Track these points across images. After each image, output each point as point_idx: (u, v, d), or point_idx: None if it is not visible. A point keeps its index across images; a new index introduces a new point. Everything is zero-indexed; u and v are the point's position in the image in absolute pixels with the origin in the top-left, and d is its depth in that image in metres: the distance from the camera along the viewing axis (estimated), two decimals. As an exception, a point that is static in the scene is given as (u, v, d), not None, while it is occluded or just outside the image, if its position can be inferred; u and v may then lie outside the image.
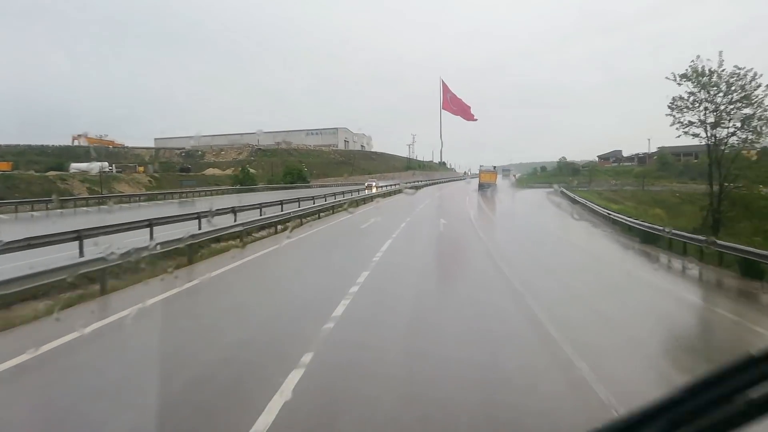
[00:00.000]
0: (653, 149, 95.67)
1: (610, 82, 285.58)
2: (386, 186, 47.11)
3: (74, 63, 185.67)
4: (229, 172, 71.99)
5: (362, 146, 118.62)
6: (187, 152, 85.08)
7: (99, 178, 47.49)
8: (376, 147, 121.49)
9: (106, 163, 63.31)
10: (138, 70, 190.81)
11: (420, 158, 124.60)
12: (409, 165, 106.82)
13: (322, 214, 23.43)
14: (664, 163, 78.44)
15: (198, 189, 42.78)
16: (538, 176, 78.27)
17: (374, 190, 41.35)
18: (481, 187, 52.08)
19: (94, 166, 58.85)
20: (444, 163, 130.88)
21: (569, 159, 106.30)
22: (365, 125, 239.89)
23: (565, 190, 44.77)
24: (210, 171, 72.62)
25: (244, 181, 48.83)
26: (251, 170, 53.68)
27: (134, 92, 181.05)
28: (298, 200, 24.47)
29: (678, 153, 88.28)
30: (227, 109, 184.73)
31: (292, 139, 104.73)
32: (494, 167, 58.39)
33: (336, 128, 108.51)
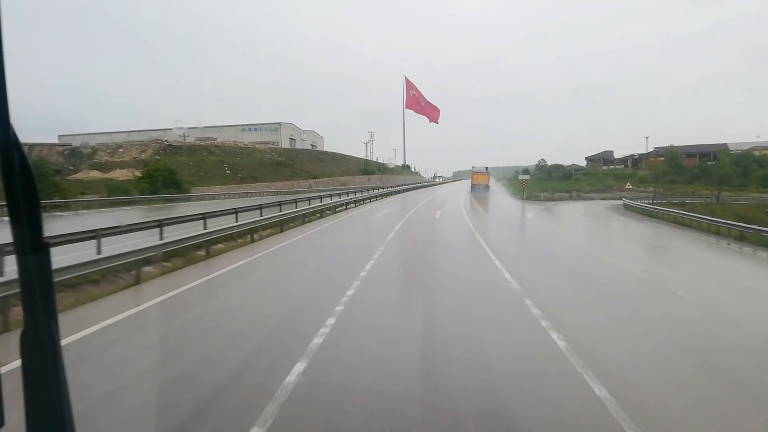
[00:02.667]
0: (650, 149, 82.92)
1: (581, 83, 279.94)
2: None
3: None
4: (114, 174, 53.20)
5: (312, 145, 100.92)
6: (72, 150, 65.08)
7: None
8: (332, 148, 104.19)
9: None
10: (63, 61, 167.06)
11: (381, 160, 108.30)
12: (367, 167, 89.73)
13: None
14: (676, 165, 64.46)
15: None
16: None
17: None
18: (474, 188, 53.76)
19: None
20: (408, 166, 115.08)
21: (549, 162, 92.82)
22: (320, 125, 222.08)
23: (631, 205, 35.49)
24: (91, 174, 53.67)
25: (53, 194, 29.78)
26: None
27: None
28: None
29: (680, 153, 75.33)
30: (182, 109, 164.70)
31: (223, 135, 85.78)
32: (486, 168, 59.51)
33: (278, 123, 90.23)
